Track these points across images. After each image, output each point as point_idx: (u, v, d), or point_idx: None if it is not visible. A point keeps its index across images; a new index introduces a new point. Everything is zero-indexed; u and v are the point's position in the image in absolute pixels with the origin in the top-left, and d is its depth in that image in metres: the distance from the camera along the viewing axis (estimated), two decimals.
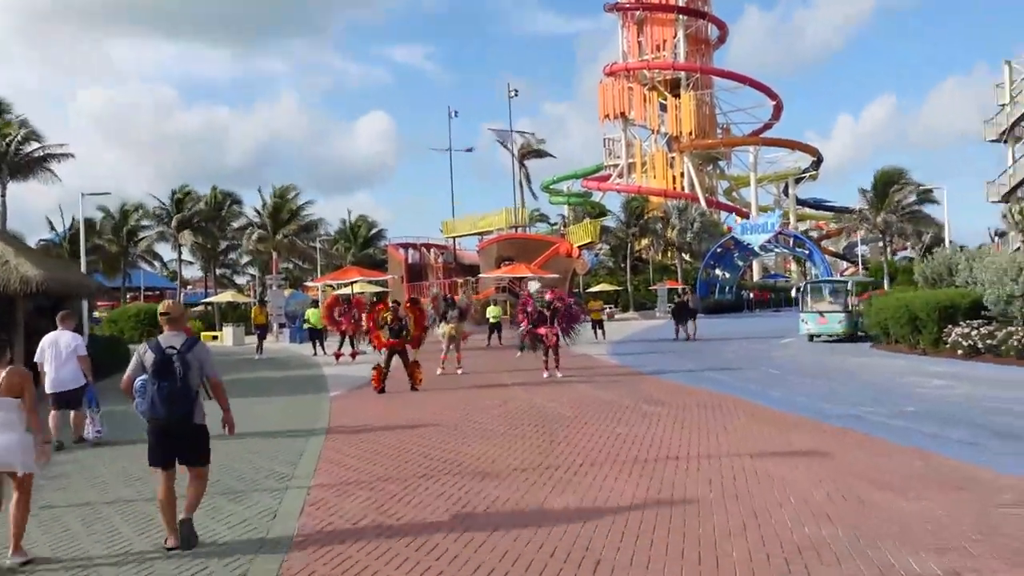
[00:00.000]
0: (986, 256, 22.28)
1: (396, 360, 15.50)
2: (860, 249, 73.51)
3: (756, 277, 77.62)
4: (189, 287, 74.35)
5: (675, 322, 29.01)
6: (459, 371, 18.36)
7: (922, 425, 10.22)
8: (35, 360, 10.09)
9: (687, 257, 62.55)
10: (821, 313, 25.73)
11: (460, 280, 53.61)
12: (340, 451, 9.54)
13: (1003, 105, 53.49)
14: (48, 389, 9.99)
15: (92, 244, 53.01)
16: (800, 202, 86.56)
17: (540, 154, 78.11)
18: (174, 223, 54.59)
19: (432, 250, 60.54)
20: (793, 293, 31.23)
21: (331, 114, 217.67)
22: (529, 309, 17.34)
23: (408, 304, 16.54)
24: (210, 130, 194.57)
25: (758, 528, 5.94)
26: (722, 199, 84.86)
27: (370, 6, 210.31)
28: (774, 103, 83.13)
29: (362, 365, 20.36)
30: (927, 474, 7.53)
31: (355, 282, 36.73)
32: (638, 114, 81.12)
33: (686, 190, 77.34)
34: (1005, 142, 53.78)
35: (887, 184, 57.17)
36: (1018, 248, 41.08)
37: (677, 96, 79.12)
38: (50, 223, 56.98)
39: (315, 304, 32.40)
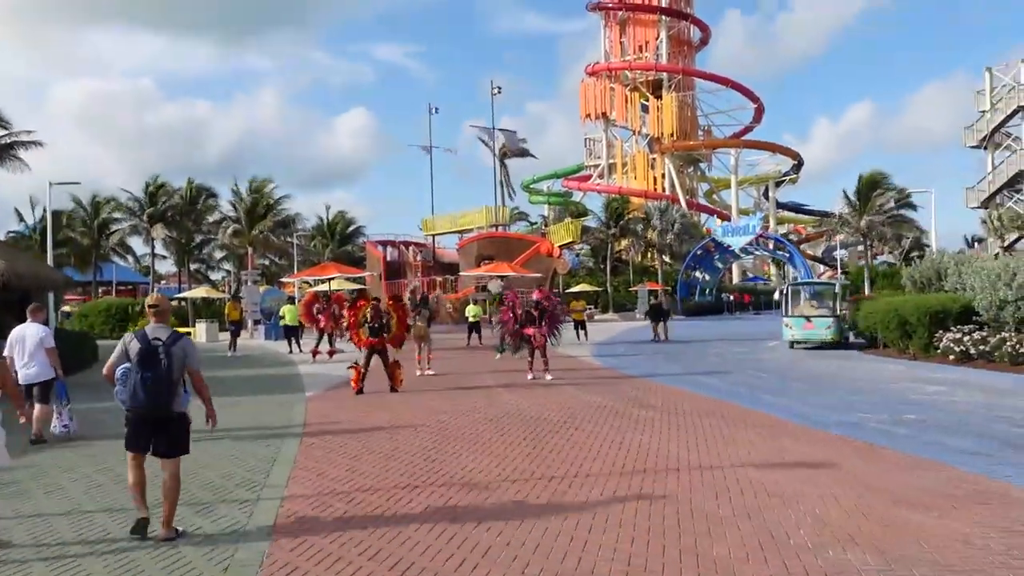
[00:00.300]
0: (975, 261, 22.00)
1: (375, 360, 14.91)
2: (839, 253, 73.63)
3: (735, 279, 77.61)
4: (163, 282, 73.09)
5: (652, 323, 29.81)
6: (429, 371, 17.80)
7: (925, 434, 9.80)
8: (3, 355, 9.58)
9: (667, 259, 62.25)
10: (808, 318, 24.06)
11: (439, 279, 53.02)
12: (315, 457, 8.93)
13: (983, 111, 53.76)
14: (20, 381, 9.70)
15: (64, 236, 51.94)
16: (779, 205, 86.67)
17: (522, 153, 77.48)
18: (147, 216, 53.51)
19: (411, 248, 59.82)
20: (776, 296, 30.04)
21: (312, 110, 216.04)
22: (518, 311, 16.78)
23: (391, 302, 15.94)
24: (189, 124, 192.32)
25: (777, 551, 5.42)
26: (702, 201, 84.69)
27: (356, 3, 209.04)
28: (755, 106, 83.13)
29: (339, 364, 19.73)
30: (945, 488, 7.06)
31: (333, 279, 36.10)
32: (619, 114, 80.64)
33: (667, 191, 77.09)
34: (985, 148, 54.05)
35: (871, 188, 57.22)
36: (997, 253, 41.17)
37: (659, 97, 78.84)
38: (19, 214, 55.80)
39: (291, 301, 31.70)
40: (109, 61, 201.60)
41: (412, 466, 8.39)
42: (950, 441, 9.31)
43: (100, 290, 57.56)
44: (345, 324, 17.38)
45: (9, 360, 9.58)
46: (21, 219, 55.33)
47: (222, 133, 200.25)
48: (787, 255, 59.29)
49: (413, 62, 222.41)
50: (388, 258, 56.89)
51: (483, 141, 70.96)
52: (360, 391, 14.51)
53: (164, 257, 62.15)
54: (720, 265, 62.78)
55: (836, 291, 24.80)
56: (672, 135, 77.65)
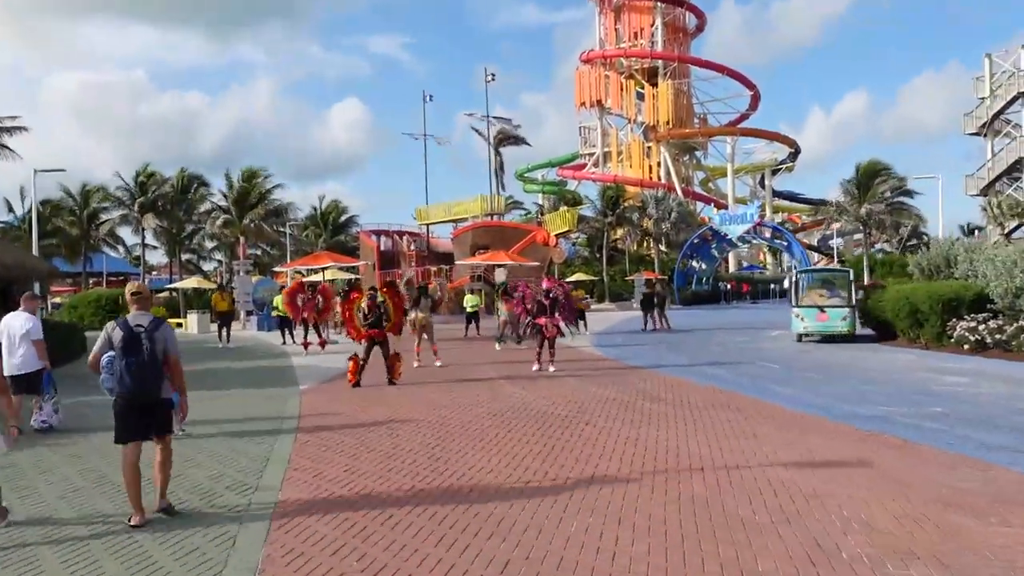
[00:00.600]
0: (987, 248, 21.45)
1: (375, 353, 14.30)
2: (835, 242, 73.19)
3: (731, 268, 77.11)
4: (154, 272, 72.29)
5: (643, 312, 29.45)
6: (437, 363, 17.22)
7: (958, 428, 9.26)
8: None
9: (664, 247, 61.65)
10: (821, 308, 21.81)
11: (434, 268, 52.36)
12: (311, 457, 8.33)
13: (983, 98, 53.19)
14: (5, 372, 9.13)
15: (53, 226, 51.18)
16: (775, 194, 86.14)
17: (516, 141, 76.65)
18: (137, 206, 52.68)
19: (405, 237, 59.07)
20: (785, 284, 28.37)
21: (305, 102, 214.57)
22: (528, 305, 16.19)
23: (384, 287, 15.31)
24: (183, 116, 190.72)
25: (829, 564, 4.86)
26: (698, 189, 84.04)
27: None
28: (751, 93, 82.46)
29: (333, 355, 19.13)
30: (995, 491, 6.51)
31: (327, 268, 35.42)
32: (615, 102, 79.77)
33: (662, 180, 76.44)
34: (984, 135, 53.50)
35: (871, 176, 56.70)
36: (996, 241, 40.68)
37: (654, 85, 77.99)
38: (8, 204, 55.07)
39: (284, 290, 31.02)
40: (102, 53, 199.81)
41: (415, 465, 7.81)
42: (984, 436, 8.77)
43: (90, 281, 56.78)
44: (339, 319, 16.73)
45: None
46: (10, 209, 54.74)
47: (216, 125, 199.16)
48: (785, 243, 58.78)
49: (407, 54, 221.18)
50: (382, 247, 56.15)
51: (477, 131, 70.20)
52: (357, 384, 13.92)
53: (155, 247, 61.39)
54: (717, 254, 62.19)
55: (850, 279, 22.61)
56: (668, 123, 76.86)
